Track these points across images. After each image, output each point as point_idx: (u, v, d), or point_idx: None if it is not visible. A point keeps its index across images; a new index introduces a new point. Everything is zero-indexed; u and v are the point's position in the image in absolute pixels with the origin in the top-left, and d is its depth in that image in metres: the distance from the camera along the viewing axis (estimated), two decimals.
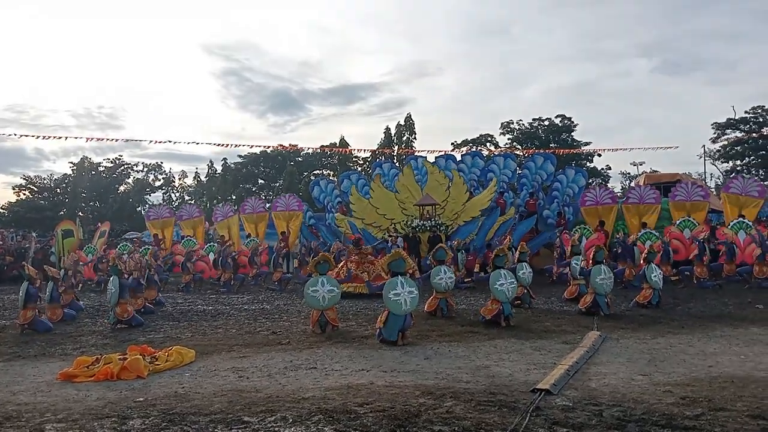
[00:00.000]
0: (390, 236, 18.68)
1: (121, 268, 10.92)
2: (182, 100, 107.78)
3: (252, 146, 50.47)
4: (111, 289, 10.53)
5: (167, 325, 10.57)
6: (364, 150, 52.27)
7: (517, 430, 4.48)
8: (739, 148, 51.31)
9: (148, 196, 57.54)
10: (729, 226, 16.65)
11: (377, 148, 51.30)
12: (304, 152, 53.88)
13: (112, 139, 58.83)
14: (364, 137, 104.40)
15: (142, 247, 19.95)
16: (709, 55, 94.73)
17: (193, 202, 60.02)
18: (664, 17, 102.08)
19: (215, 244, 20.04)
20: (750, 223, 16.42)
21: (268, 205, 23.22)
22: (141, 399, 5.69)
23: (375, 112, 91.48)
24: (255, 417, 5.00)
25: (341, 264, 14.74)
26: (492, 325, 9.52)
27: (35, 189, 51.62)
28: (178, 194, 63.45)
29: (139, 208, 54.91)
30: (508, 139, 55.96)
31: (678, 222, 17.55)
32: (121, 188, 56.28)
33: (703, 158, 54.96)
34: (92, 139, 42.48)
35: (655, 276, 11.42)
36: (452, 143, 56.51)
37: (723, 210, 19.31)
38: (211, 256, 18.78)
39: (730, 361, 6.87)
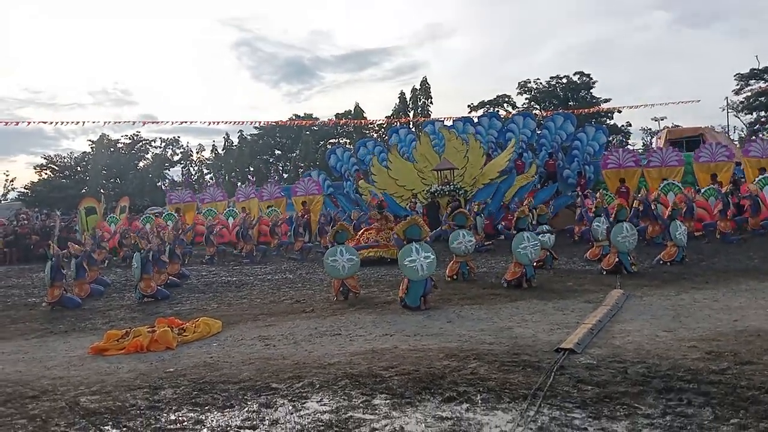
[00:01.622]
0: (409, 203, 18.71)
1: (142, 247, 11.09)
2: (197, 73, 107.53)
3: (268, 123, 49.92)
4: (134, 266, 10.74)
5: (193, 297, 10.75)
6: (381, 119, 51.97)
7: (541, 389, 4.51)
8: (763, 98, 50.00)
9: (167, 171, 57.93)
10: (755, 182, 16.25)
11: (392, 116, 50.94)
12: (319, 122, 53.63)
13: (130, 122, 59.55)
14: (378, 103, 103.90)
15: (164, 214, 20.90)
16: (730, 4, 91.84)
17: (211, 175, 60.34)
18: None
19: (235, 209, 20.68)
20: None
21: (285, 187, 23.46)
22: (171, 369, 5.82)
23: (389, 77, 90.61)
24: (283, 383, 5.09)
25: (361, 232, 14.79)
26: (514, 287, 9.53)
27: (56, 168, 52.07)
28: (196, 168, 63.70)
29: (159, 183, 55.31)
30: (526, 98, 55.03)
31: (704, 190, 17.05)
32: (141, 164, 56.60)
33: (726, 110, 53.65)
34: (110, 122, 42.85)
35: (679, 233, 11.29)
36: (469, 105, 55.81)
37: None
38: (230, 221, 19.49)
39: (756, 315, 6.81)
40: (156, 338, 6.85)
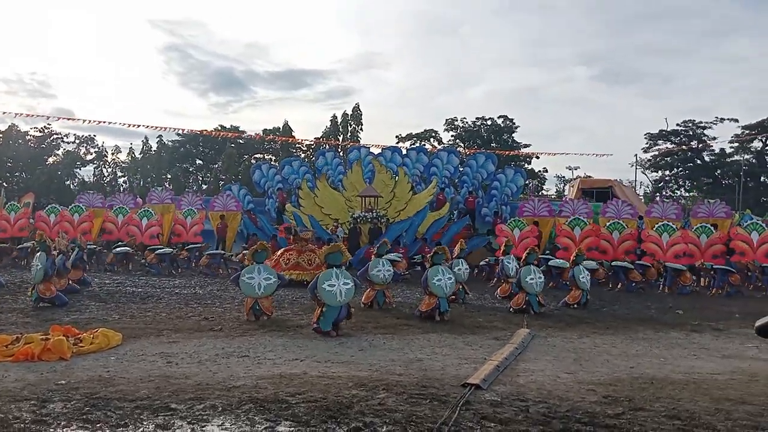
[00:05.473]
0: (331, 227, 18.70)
1: (49, 245, 10.44)
2: (120, 72, 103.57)
3: (192, 130, 48.36)
4: (37, 266, 10.04)
5: (93, 306, 10.22)
6: (309, 139, 51.88)
7: (446, 424, 4.55)
8: (669, 159, 53.70)
9: (78, 170, 55.29)
10: (654, 228, 17.40)
11: (322, 136, 51.01)
12: (246, 135, 52.84)
13: (44, 116, 56.70)
14: (308, 123, 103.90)
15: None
16: (646, 68, 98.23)
17: (125, 179, 58.05)
18: (607, 29, 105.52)
19: (150, 210, 20.01)
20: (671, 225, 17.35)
21: (205, 198, 22.88)
22: (63, 382, 5.48)
23: (321, 99, 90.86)
24: (183, 404, 4.89)
25: (281, 252, 14.59)
26: (426, 319, 9.63)
27: None
28: (110, 170, 61.03)
29: (68, 182, 52.71)
30: (452, 136, 56.77)
31: (608, 224, 18.23)
32: (50, 160, 53.76)
33: (635, 167, 57.24)
34: (21, 114, 40.88)
35: (583, 277, 11.82)
36: (397, 136, 56.92)
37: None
38: (144, 222, 19.01)
39: (651, 363, 7.17)
40: (49, 347, 6.46)
